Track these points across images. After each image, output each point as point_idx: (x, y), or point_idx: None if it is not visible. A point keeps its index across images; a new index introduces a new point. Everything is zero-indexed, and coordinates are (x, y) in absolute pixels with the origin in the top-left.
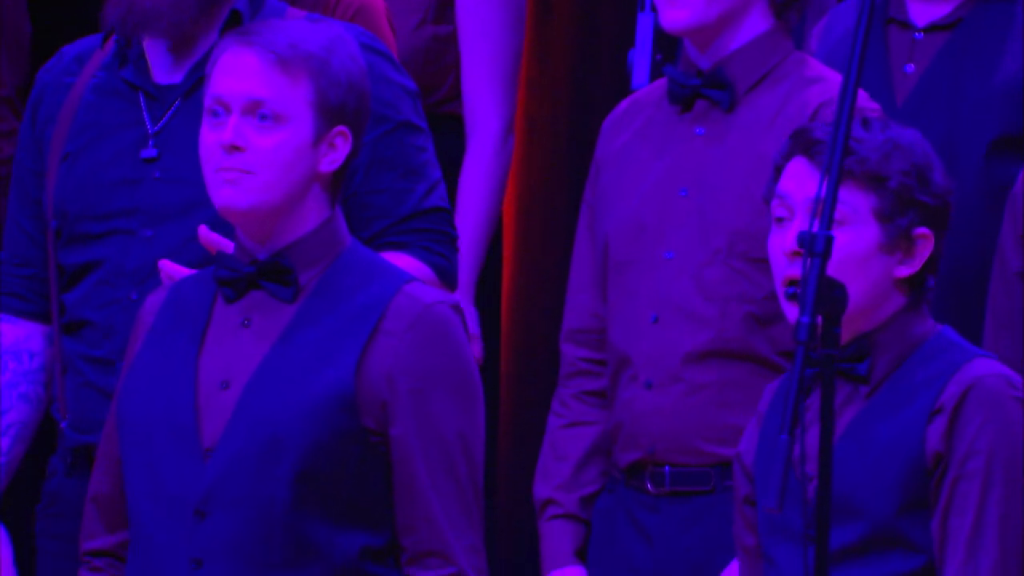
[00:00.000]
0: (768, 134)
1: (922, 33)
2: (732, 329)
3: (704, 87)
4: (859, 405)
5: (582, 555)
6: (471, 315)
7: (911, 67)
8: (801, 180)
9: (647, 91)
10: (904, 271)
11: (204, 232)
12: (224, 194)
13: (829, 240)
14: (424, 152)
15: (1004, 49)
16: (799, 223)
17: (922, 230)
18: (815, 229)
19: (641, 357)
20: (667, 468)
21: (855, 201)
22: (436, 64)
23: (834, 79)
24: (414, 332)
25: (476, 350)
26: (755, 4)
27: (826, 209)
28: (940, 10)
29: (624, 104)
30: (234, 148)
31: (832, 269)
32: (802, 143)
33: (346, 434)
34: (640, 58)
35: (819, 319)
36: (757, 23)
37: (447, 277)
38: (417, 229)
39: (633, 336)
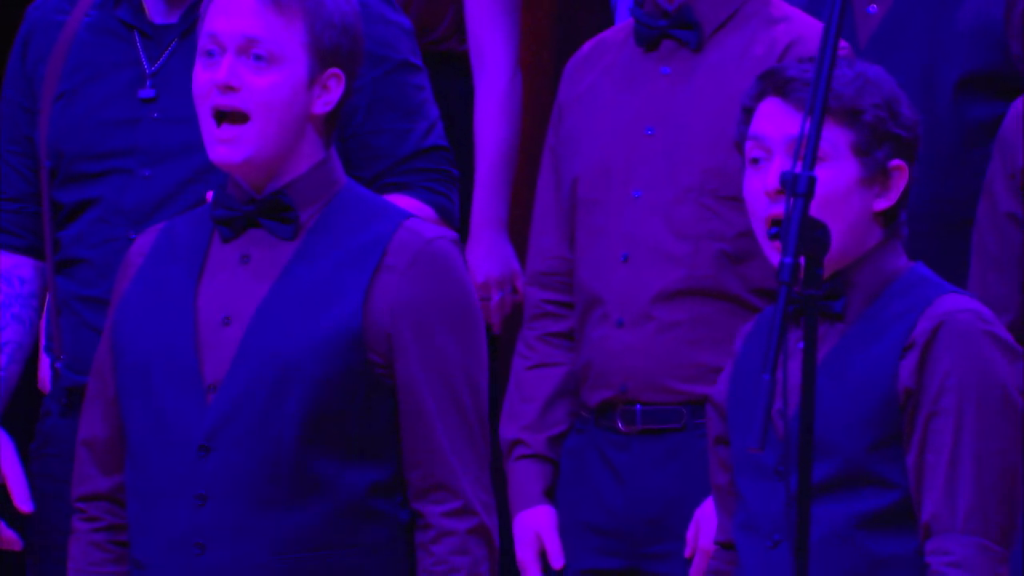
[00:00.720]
0: (736, 73)
1: None
2: (704, 267)
3: (671, 27)
4: (833, 341)
5: (551, 494)
6: (509, 252)
7: (873, 8)
8: (777, 120)
9: (611, 33)
10: (882, 204)
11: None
12: (220, 153)
13: (812, 180)
14: (423, 91)
15: None
16: (778, 163)
17: (897, 162)
18: (797, 169)
19: (612, 296)
20: (638, 406)
21: (833, 137)
22: (437, 2)
23: (799, 18)
24: (416, 267)
25: (520, 285)
26: None
27: (809, 149)
28: None
29: (587, 46)
30: (228, 88)
31: (815, 207)
32: (775, 83)
33: (353, 369)
34: (623, 3)
35: (802, 259)
36: None
37: (448, 216)
38: (418, 169)
39: (603, 275)
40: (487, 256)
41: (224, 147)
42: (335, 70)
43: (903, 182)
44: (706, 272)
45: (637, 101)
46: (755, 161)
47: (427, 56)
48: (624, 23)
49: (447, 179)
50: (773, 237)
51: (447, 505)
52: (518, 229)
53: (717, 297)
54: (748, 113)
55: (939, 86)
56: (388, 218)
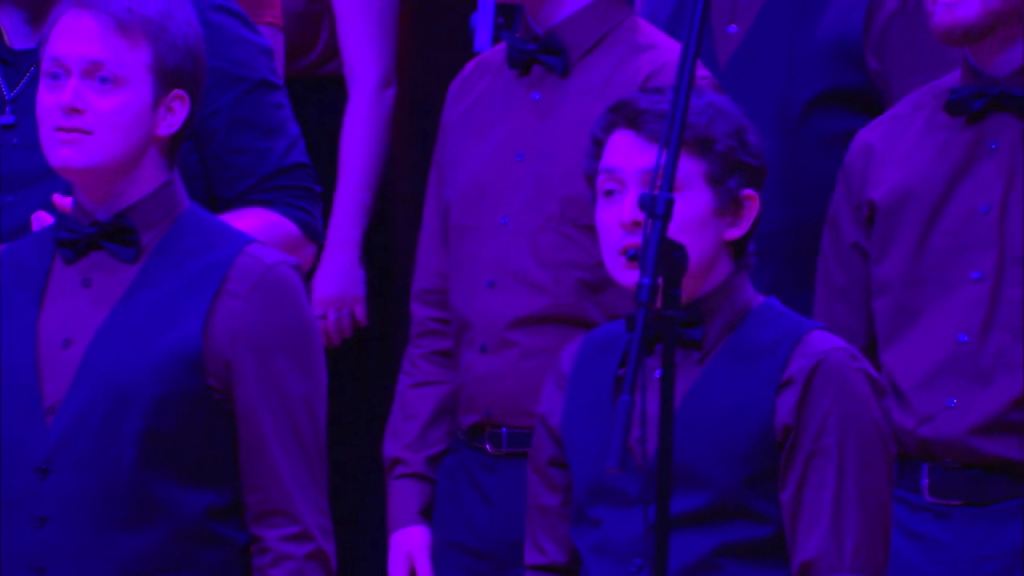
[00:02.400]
0: (600, 100)
1: None
2: (565, 295)
3: (539, 52)
4: (693, 371)
5: (427, 514)
6: (358, 276)
7: (733, 28)
8: (629, 153)
9: (492, 53)
10: (734, 233)
11: (58, 199)
12: (62, 154)
13: (670, 202)
14: (282, 109)
15: (827, 4)
16: (632, 195)
17: (748, 191)
18: (655, 192)
19: (477, 321)
20: (504, 430)
21: (687, 167)
22: (311, 25)
23: (665, 45)
24: (257, 293)
25: (359, 312)
26: None
27: (667, 172)
28: None
29: (470, 66)
30: (73, 110)
31: (671, 235)
32: (626, 115)
33: (192, 393)
34: (482, 22)
35: (659, 281)
36: None
37: (311, 232)
38: (280, 187)
39: (471, 300)
40: (333, 276)
41: (67, 148)
42: (179, 92)
43: (754, 211)
44: (567, 300)
45: (509, 127)
46: (609, 193)
47: (306, 80)
48: (503, 44)
49: (310, 196)
50: (632, 259)
51: (285, 530)
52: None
53: (577, 324)
54: (599, 145)
55: (798, 103)
56: (229, 243)
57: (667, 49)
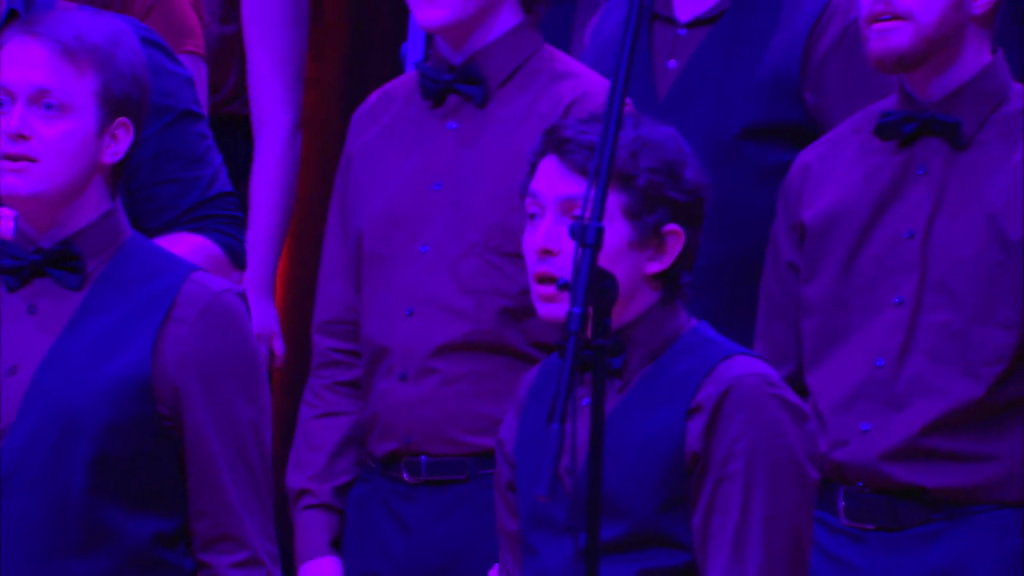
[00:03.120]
0: (521, 129)
1: (685, 29)
2: (487, 322)
3: (456, 82)
4: (613, 400)
5: (337, 545)
6: (271, 313)
7: (673, 63)
8: (551, 179)
9: (396, 84)
10: (655, 267)
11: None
12: (7, 182)
13: (600, 231)
14: (206, 139)
15: (766, 40)
16: (549, 221)
17: (672, 227)
18: (586, 221)
19: (397, 349)
20: (423, 458)
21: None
22: (222, 64)
23: (584, 74)
24: (204, 320)
25: (278, 346)
26: (505, 1)
27: (596, 201)
28: (703, 5)
29: (373, 97)
30: (19, 136)
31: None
32: (554, 141)
33: (141, 419)
34: (413, 52)
35: (590, 310)
36: (508, 18)
37: (237, 257)
38: (206, 215)
39: (389, 329)
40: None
41: (13, 176)
42: (124, 120)
43: (679, 246)
44: (489, 327)
45: (424, 156)
46: (532, 216)
47: (211, 119)
48: (409, 74)
49: (235, 222)
50: (562, 288)
51: (235, 556)
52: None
53: (499, 351)
54: (532, 168)
55: (736, 137)
56: (175, 270)
57: (587, 78)
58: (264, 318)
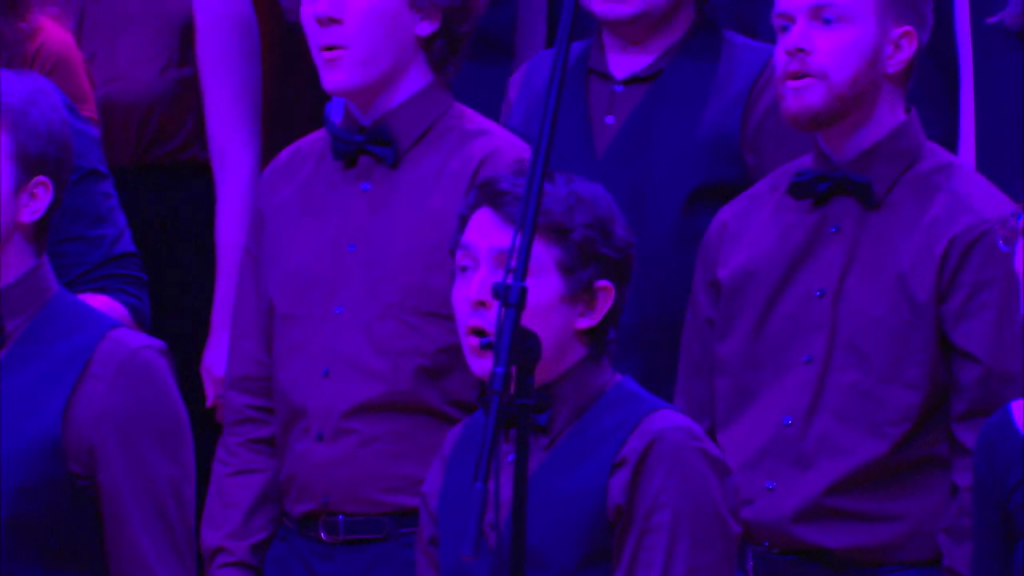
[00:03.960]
0: (434, 189)
1: (622, 85)
2: (404, 382)
3: (368, 143)
4: (539, 456)
5: None
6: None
7: (611, 118)
8: (485, 231)
9: (308, 142)
10: (586, 322)
11: None
12: None
13: (523, 291)
14: (110, 198)
15: (703, 100)
16: (483, 273)
17: (603, 283)
18: (508, 280)
19: (314, 410)
20: (341, 517)
21: (540, 253)
22: (179, 108)
23: (495, 131)
24: (121, 377)
25: None
26: (414, 61)
27: (520, 260)
28: (640, 62)
29: (285, 154)
30: None
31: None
32: (488, 194)
33: (53, 480)
34: (337, 111)
35: (513, 369)
36: (417, 79)
37: (140, 317)
38: (110, 275)
39: (305, 389)
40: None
41: None
42: (42, 178)
43: (609, 302)
44: (406, 387)
45: (338, 217)
46: (463, 269)
47: (168, 166)
48: (318, 132)
49: (138, 283)
50: (485, 347)
51: None
52: None
53: (417, 411)
54: (463, 221)
55: (674, 196)
56: (94, 327)
57: (497, 135)
58: None
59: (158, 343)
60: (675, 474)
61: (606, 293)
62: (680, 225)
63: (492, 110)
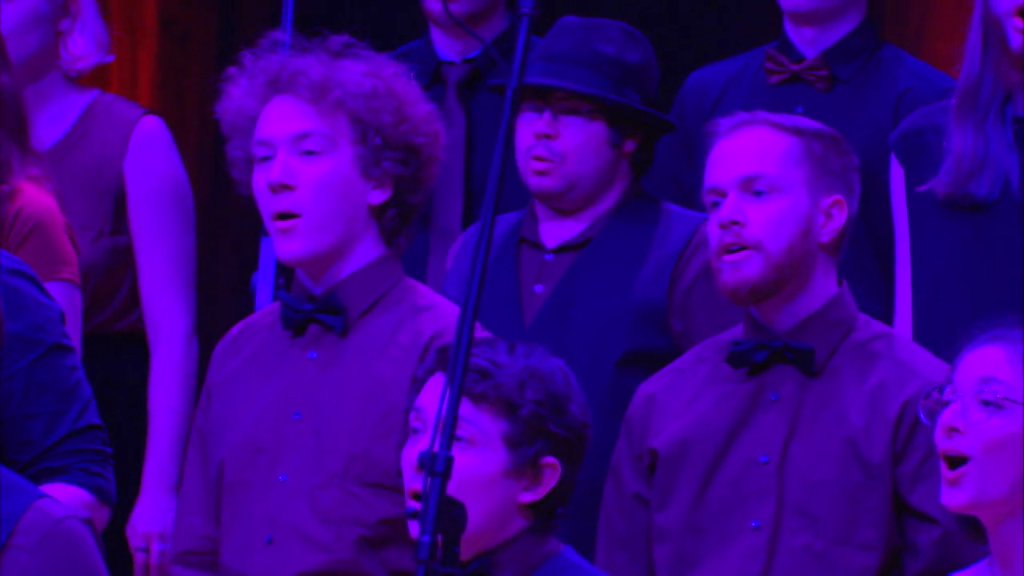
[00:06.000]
0: (381, 359)
1: (552, 254)
2: (345, 551)
3: (317, 312)
4: None
5: None
6: (171, 513)
7: (540, 287)
8: (437, 396)
9: (259, 316)
10: (529, 497)
11: None
12: None
13: (449, 461)
14: (75, 371)
15: (633, 268)
16: (429, 438)
17: (550, 459)
18: (436, 448)
19: None
20: None
21: (486, 424)
22: (114, 276)
23: (444, 306)
24: (44, 547)
25: (155, 547)
26: (366, 232)
27: (446, 430)
28: (571, 230)
29: (236, 329)
30: None
31: (455, 488)
32: (445, 360)
33: None
34: (263, 281)
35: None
36: (368, 250)
37: (105, 496)
38: (73, 450)
39: (247, 557)
40: (152, 511)
41: None
42: None
43: (554, 479)
44: (347, 556)
45: (284, 385)
46: (414, 431)
47: (101, 337)
48: (271, 305)
49: (102, 458)
50: (411, 516)
51: None
52: None
53: None
54: (419, 384)
55: (602, 365)
56: (20, 497)
57: (447, 310)
58: (169, 515)
59: (82, 512)
60: None
61: (552, 470)
62: (609, 393)
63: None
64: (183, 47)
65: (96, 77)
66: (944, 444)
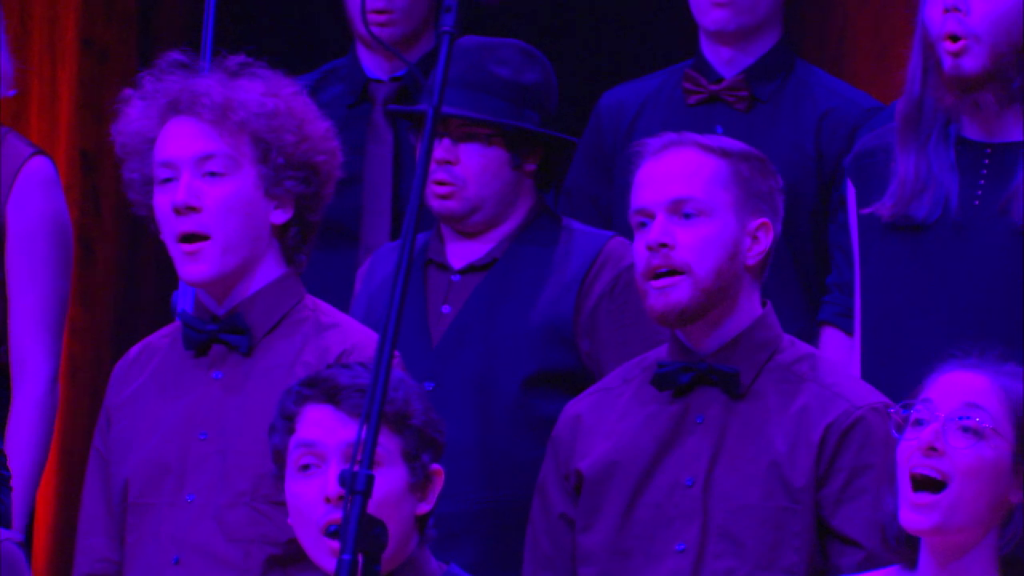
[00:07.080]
0: (287, 378)
1: (459, 275)
2: (254, 570)
3: (221, 332)
4: None
5: None
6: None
7: (447, 308)
8: (330, 427)
9: (157, 336)
10: (423, 508)
11: None
12: None
13: (370, 479)
14: None
15: (539, 288)
16: (335, 470)
17: (437, 466)
18: (355, 468)
19: None
20: None
21: (387, 443)
22: None
23: (348, 324)
24: None
25: None
26: (268, 251)
27: (367, 448)
28: (477, 251)
29: (134, 350)
30: None
31: (374, 510)
32: (325, 390)
33: None
34: (183, 300)
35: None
36: (270, 270)
37: (4, 520)
38: None
39: None
40: None
41: None
42: None
43: (440, 485)
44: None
45: (189, 405)
46: (305, 468)
47: None
48: (170, 326)
49: (1, 483)
50: (332, 535)
51: None
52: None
53: None
54: (290, 419)
55: (508, 385)
56: None
57: (352, 328)
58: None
59: (15, 535)
60: None
61: (439, 476)
62: (517, 412)
63: (338, 296)
64: (103, 65)
65: (16, 96)
66: (920, 464)
